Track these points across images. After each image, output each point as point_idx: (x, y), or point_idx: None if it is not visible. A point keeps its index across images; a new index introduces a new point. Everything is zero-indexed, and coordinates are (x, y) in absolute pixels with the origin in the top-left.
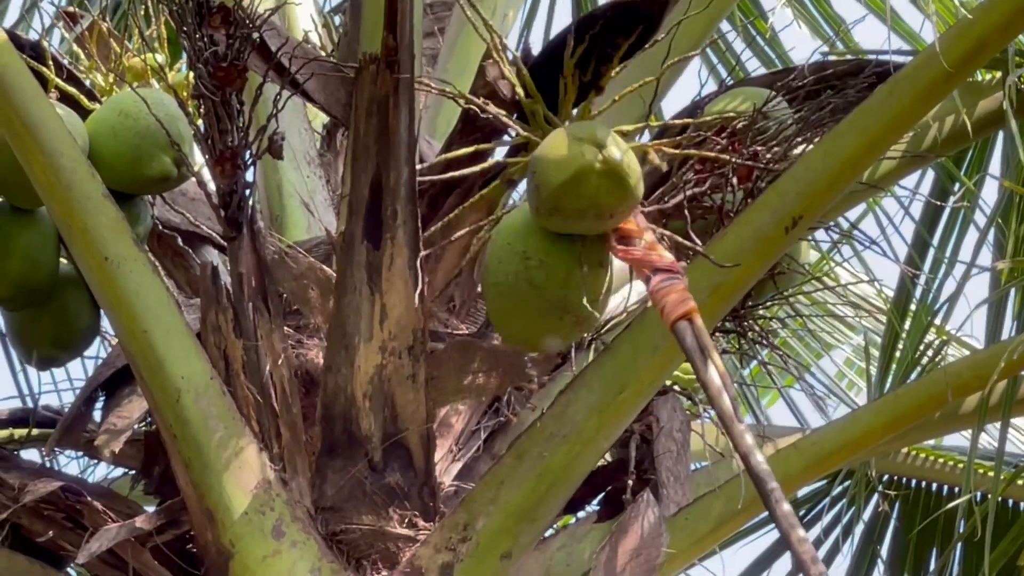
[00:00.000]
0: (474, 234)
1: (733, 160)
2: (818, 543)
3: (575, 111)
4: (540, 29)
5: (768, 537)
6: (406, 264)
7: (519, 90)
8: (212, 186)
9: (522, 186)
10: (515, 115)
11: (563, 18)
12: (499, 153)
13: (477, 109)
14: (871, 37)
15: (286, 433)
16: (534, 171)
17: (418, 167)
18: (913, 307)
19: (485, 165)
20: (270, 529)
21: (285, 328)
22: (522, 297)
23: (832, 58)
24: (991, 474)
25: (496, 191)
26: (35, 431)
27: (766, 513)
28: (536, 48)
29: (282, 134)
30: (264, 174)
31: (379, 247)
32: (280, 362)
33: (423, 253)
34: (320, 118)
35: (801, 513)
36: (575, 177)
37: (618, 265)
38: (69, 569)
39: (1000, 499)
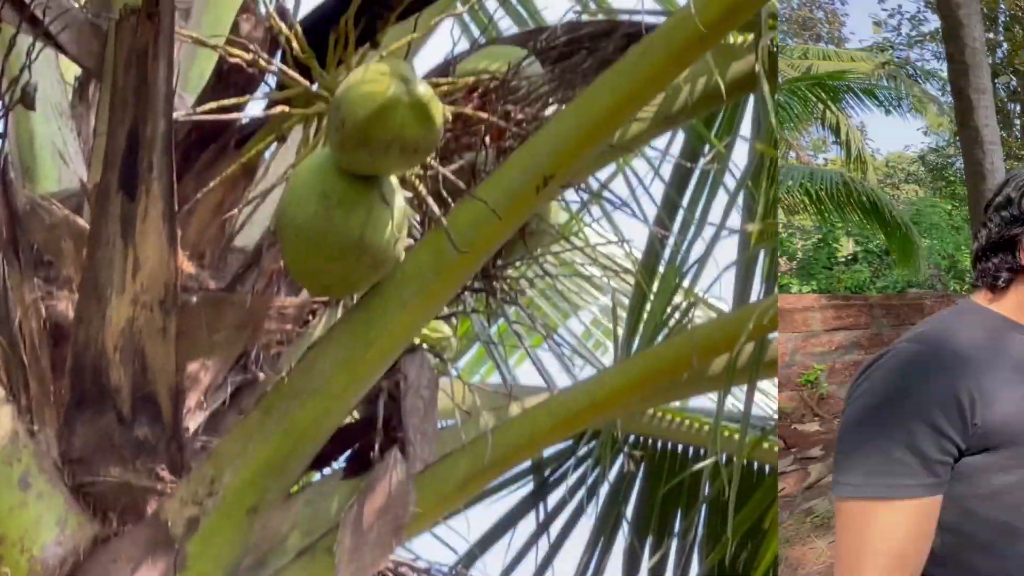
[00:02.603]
0: (228, 189)
1: (488, 119)
2: (563, 503)
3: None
4: None
5: (514, 496)
6: (160, 216)
7: (295, 44)
8: None
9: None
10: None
11: None
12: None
13: (243, 62)
14: None
15: (34, 384)
16: (338, 107)
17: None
18: (662, 268)
19: (251, 115)
20: (17, 480)
21: (35, 279)
22: (321, 237)
23: (585, 18)
24: (737, 436)
25: (253, 148)
26: None
27: (512, 472)
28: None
29: (35, 85)
30: (16, 125)
31: (134, 199)
32: (30, 313)
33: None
34: (73, 70)
35: (547, 473)
36: (383, 108)
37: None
38: None
39: (745, 462)
